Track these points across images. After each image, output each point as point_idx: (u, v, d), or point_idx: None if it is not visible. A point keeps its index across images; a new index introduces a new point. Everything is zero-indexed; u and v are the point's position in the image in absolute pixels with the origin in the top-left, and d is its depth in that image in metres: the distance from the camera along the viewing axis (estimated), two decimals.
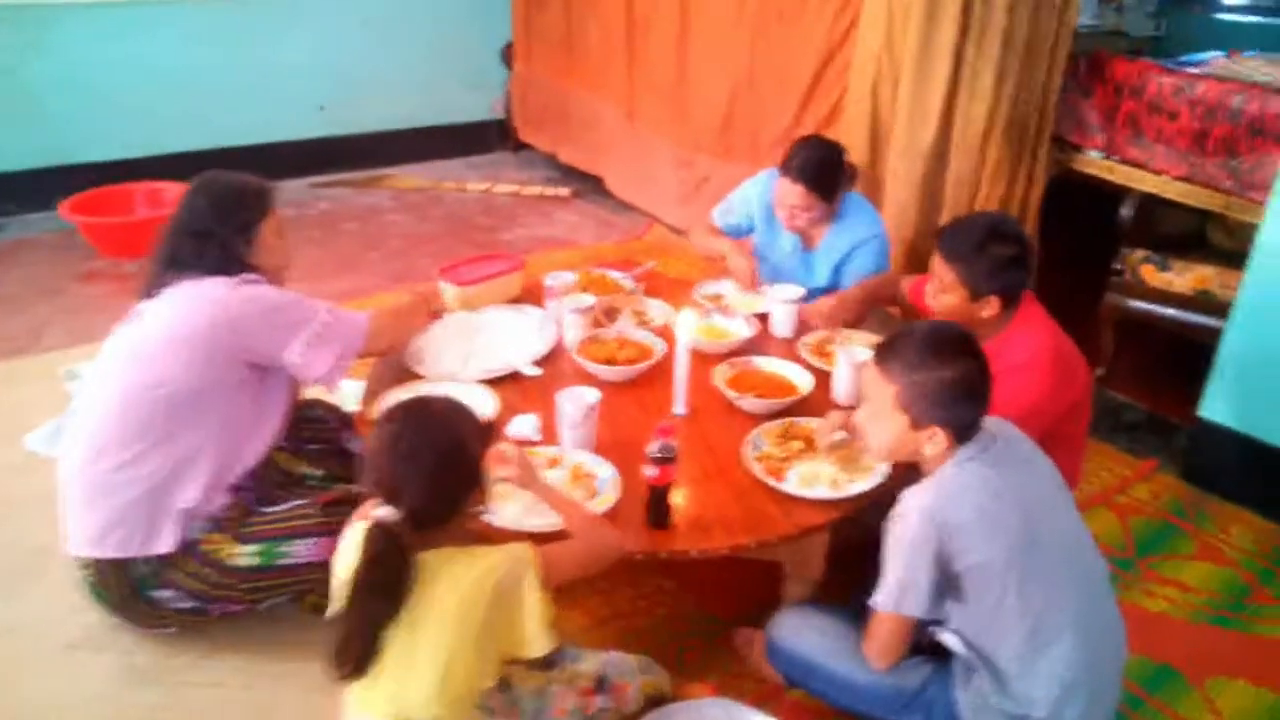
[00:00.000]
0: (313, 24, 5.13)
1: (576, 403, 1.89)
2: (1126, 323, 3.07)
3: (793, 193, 2.48)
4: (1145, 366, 3.29)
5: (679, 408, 2.09)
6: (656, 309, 2.57)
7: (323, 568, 1.88)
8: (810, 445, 1.94)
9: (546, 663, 1.59)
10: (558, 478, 1.81)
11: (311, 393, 2.29)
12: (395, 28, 5.38)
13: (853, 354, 2.13)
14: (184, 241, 1.98)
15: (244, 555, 1.88)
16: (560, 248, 4.42)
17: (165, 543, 1.85)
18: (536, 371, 2.23)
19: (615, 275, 2.74)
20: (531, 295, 2.63)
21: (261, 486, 1.99)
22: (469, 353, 2.28)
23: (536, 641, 1.45)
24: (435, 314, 2.33)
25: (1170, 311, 2.96)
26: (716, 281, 2.75)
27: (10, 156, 4.51)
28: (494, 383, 2.17)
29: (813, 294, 2.67)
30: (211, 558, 1.87)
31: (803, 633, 1.73)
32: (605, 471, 1.83)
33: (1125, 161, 2.97)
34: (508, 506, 1.72)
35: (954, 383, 1.51)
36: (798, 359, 2.30)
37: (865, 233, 2.58)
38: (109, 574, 1.88)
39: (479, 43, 5.69)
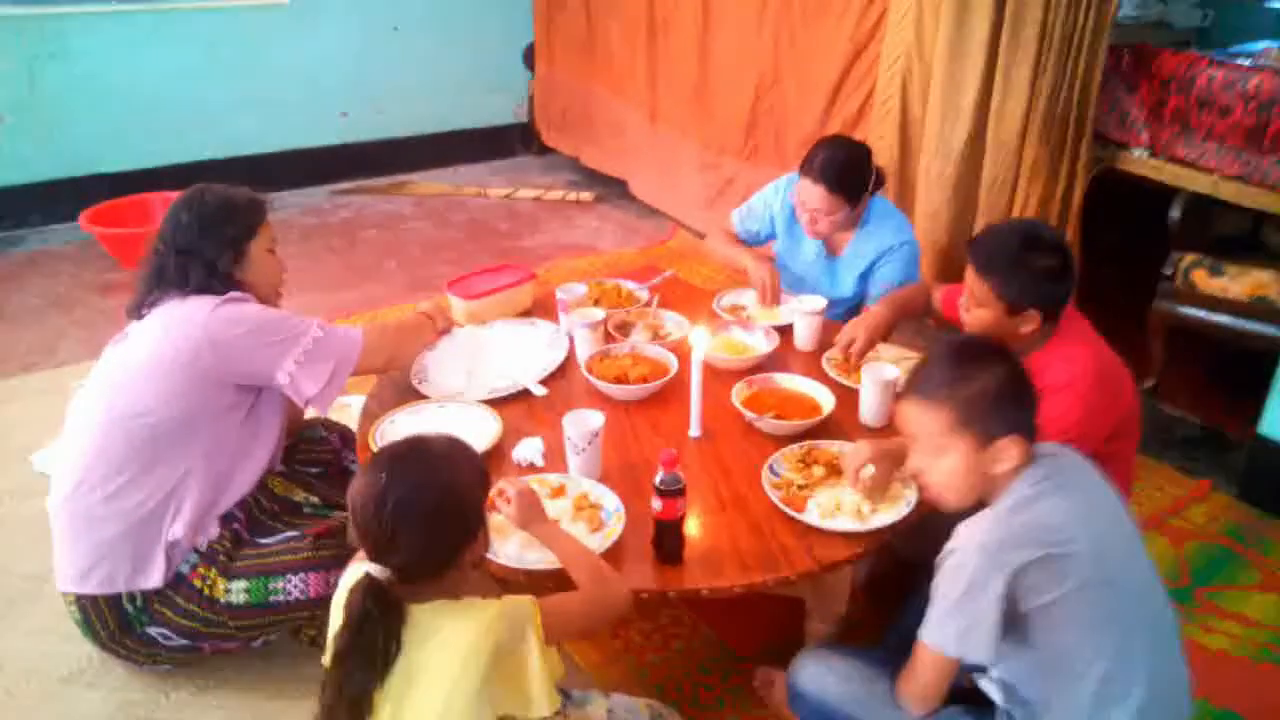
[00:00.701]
0: (333, 31, 5.08)
1: (580, 427, 1.77)
2: (1178, 331, 2.89)
3: (813, 194, 2.34)
4: (1199, 378, 3.10)
5: (694, 429, 1.97)
6: (672, 322, 2.45)
7: (315, 604, 1.80)
8: (832, 471, 1.80)
9: None
10: (561, 508, 1.70)
11: (312, 410, 2.20)
12: (416, 33, 5.32)
13: (880, 372, 1.99)
14: (169, 258, 1.89)
15: (234, 592, 1.79)
16: (582, 254, 4.32)
17: (153, 578, 1.77)
18: (542, 391, 2.12)
19: (630, 286, 2.62)
20: (547, 308, 2.52)
21: (253, 516, 1.91)
22: (474, 370, 2.18)
23: (539, 702, 1.34)
24: (444, 330, 2.22)
25: (1224, 319, 2.77)
26: (737, 291, 2.62)
27: (31, 167, 4.51)
28: (499, 403, 2.06)
29: (837, 304, 2.54)
30: (202, 593, 1.79)
31: (825, 678, 1.60)
32: (611, 502, 1.71)
33: (1173, 160, 2.80)
34: (507, 543, 1.61)
35: (1009, 381, 1.40)
36: (822, 375, 2.17)
37: (892, 239, 2.43)
38: (98, 611, 1.79)
39: (501, 45, 5.61)
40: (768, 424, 1.95)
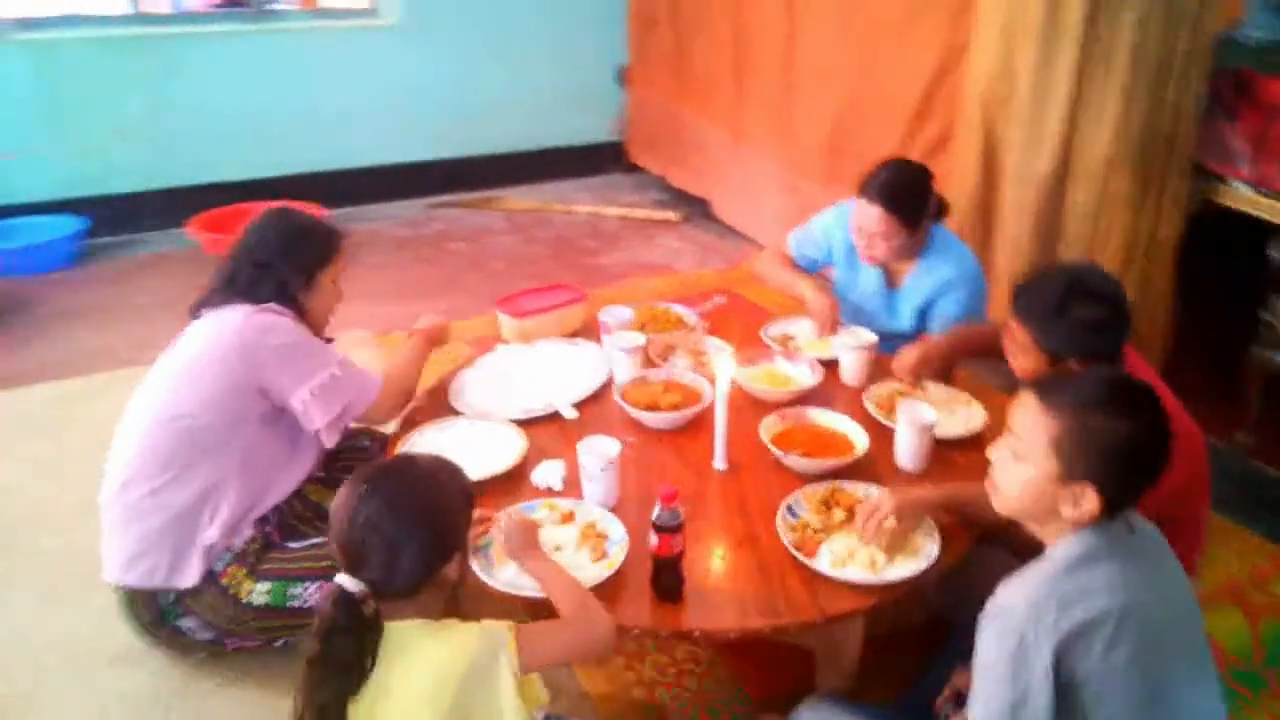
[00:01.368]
0: (434, 50, 5.25)
1: (594, 455, 1.76)
2: (1277, 381, 2.65)
3: (870, 215, 2.26)
4: None
5: (718, 462, 1.93)
6: (716, 349, 2.41)
7: None
8: (854, 516, 1.72)
9: None
10: (568, 535, 1.69)
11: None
12: (514, 52, 5.44)
13: (917, 413, 1.90)
14: (244, 268, 1.99)
15: (257, 593, 1.86)
16: (658, 274, 4.32)
17: (189, 577, 1.85)
18: (573, 414, 2.11)
19: (680, 310, 2.60)
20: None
21: (285, 521, 1.97)
22: (510, 389, 2.20)
23: None
24: (441, 342, 2.28)
25: None
26: (788, 320, 2.56)
27: (149, 176, 4.84)
28: (531, 423, 2.07)
29: (896, 338, 2.44)
30: (229, 592, 1.86)
31: None
32: (618, 532, 1.69)
33: (1277, 194, 2.57)
34: (505, 568, 1.60)
35: (1131, 438, 1.26)
36: (863, 413, 2.08)
37: (952, 274, 2.32)
38: (137, 601, 1.90)
39: (595, 65, 5.68)
40: (794, 461, 1.89)
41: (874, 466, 1.92)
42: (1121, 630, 1.22)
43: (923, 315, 2.38)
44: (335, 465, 2.18)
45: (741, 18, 4.36)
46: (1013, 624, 1.23)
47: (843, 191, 3.83)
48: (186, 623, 1.89)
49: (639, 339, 2.28)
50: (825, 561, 1.62)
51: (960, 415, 2.08)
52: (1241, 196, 2.65)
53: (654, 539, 1.52)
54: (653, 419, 2.06)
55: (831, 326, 2.41)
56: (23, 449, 2.95)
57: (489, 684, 1.31)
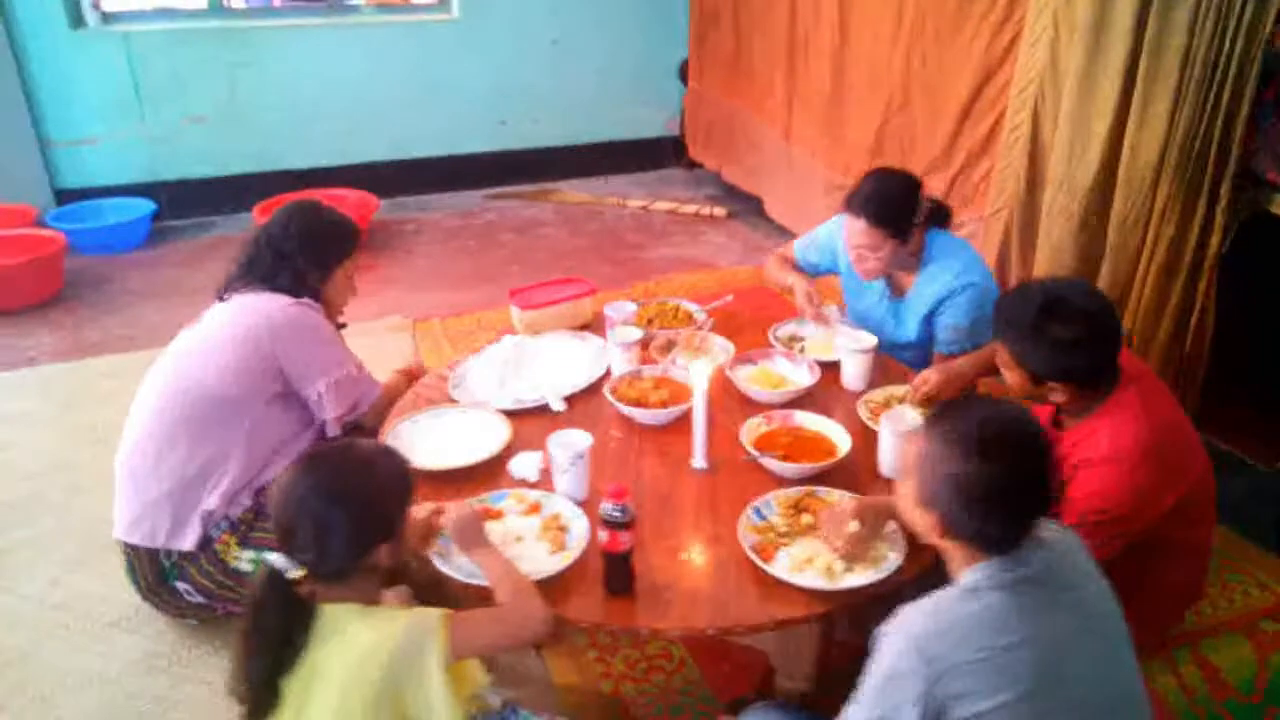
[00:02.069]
0: (497, 43, 5.34)
1: (564, 448, 1.77)
2: None
3: (855, 229, 2.21)
4: None
5: (697, 461, 1.91)
6: (719, 347, 2.39)
7: None
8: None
9: None
10: (530, 526, 1.71)
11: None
12: (575, 46, 5.49)
13: (900, 419, 1.85)
14: (265, 255, 2.10)
15: (244, 560, 1.94)
16: (697, 270, 4.30)
17: (188, 540, 1.95)
18: (561, 406, 2.13)
19: (689, 307, 2.59)
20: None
21: None
22: (508, 379, 2.23)
23: (440, 715, 1.34)
24: (417, 376, 2.33)
25: None
26: (798, 322, 2.52)
27: (226, 161, 5.07)
28: (521, 414, 2.10)
29: (904, 348, 2.38)
30: (219, 557, 1.95)
31: None
32: (580, 526, 1.70)
33: None
34: (460, 555, 1.63)
35: (983, 483, 1.22)
36: (854, 418, 2.04)
37: (955, 282, 2.25)
38: (140, 560, 2.00)
39: (656, 60, 5.68)
40: (771, 463, 1.86)
41: (855, 472, 1.88)
42: (1004, 675, 1.17)
43: (928, 324, 2.32)
44: None
45: (797, 17, 4.30)
46: (892, 650, 1.22)
47: None
48: (181, 585, 1.98)
49: (635, 334, 2.28)
50: (783, 566, 1.60)
51: None
52: None
53: (603, 534, 1.53)
54: (639, 415, 2.06)
55: (813, 312, 2.39)
56: (74, 418, 3.13)
57: (417, 670, 1.33)
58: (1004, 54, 3.14)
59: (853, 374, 2.21)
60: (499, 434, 2.00)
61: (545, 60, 5.48)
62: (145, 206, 4.83)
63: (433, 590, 1.73)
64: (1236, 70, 2.42)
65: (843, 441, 1.92)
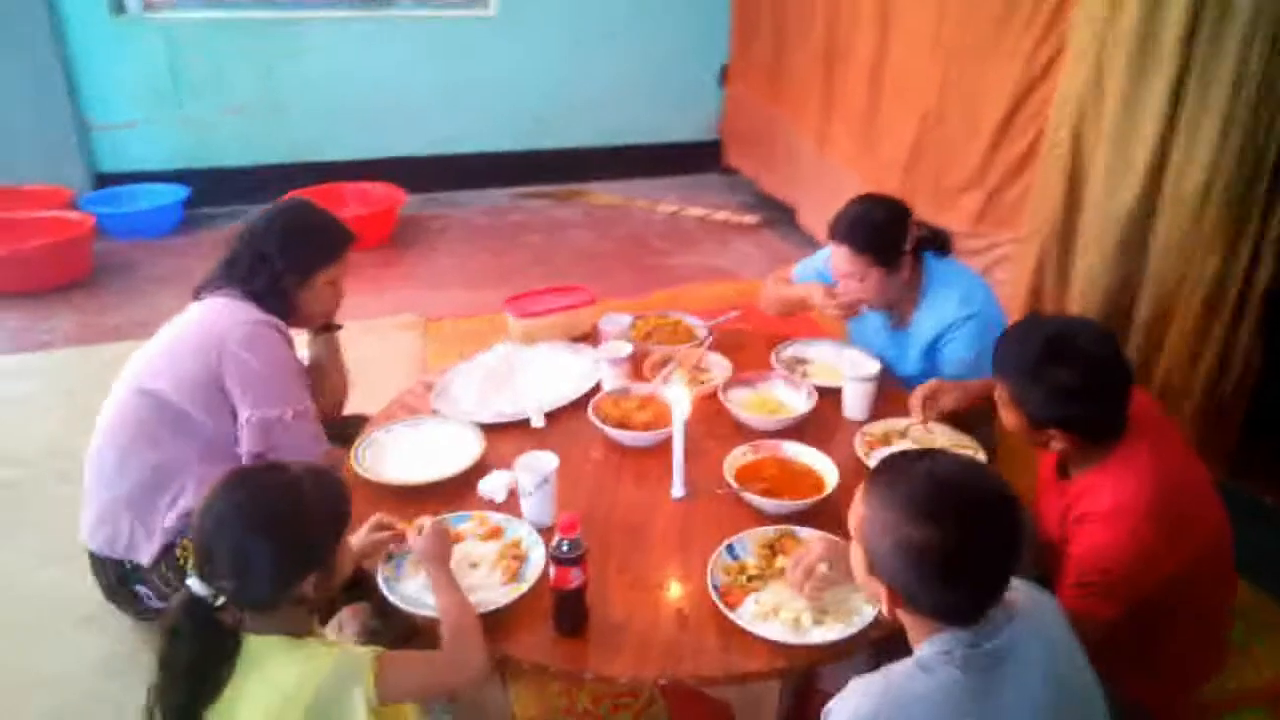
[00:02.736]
0: (534, 42, 5.28)
1: (529, 471, 1.67)
2: None
3: (839, 256, 2.10)
4: None
5: (676, 489, 1.81)
6: (718, 367, 2.27)
7: None
8: None
9: None
10: (488, 552, 1.61)
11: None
12: (615, 47, 5.41)
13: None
14: (245, 255, 2.01)
15: None
16: (719, 280, 4.19)
17: (146, 554, 1.88)
18: (541, 423, 2.04)
19: (691, 321, 2.48)
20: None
21: None
22: (488, 392, 2.14)
23: None
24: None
25: None
26: (805, 343, 2.39)
27: (260, 151, 5.09)
28: (500, 429, 2.01)
29: (906, 381, 2.24)
30: (177, 564, 1.89)
31: None
32: (538, 555, 1.60)
33: None
34: (410, 581, 1.54)
35: (923, 550, 1.10)
36: (849, 451, 1.91)
37: (957, 312, 2.11)
38: (104, 563, 1.95)
39: (697, 64, 5.58)
40: (752, 498, 1.74)
41: (840, 511, 1.73)
42: None
43: (931, 356, 2.18)
44: None
45: (836, 25, 4.16)
46: None
47: (918, 208, 3.60)
48: (140, 588, 1.93)
49: (624, 349, 2.17)
50: (748, 613, 1.48)
51: None
52: None
53: (552, 570, 1.43)
54: (620, 436, 1.96)
55: (840, 306, 2.20)
56: (81, 402, 3.11)
57: (340, 713, 1.25)
58: (1045, 69, 2.97)
59: (853, 402, 2.08)
60: (471, 449, 1.91)
61: (582, 59, 5.40)
62: (177, 193, 4.87)
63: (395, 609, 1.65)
64: None
65: (831, 477, 1.79)
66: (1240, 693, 1.91)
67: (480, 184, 5.47)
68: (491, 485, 1.81)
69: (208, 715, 1.26)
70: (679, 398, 1.72)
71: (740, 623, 1.46)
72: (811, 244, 4.54)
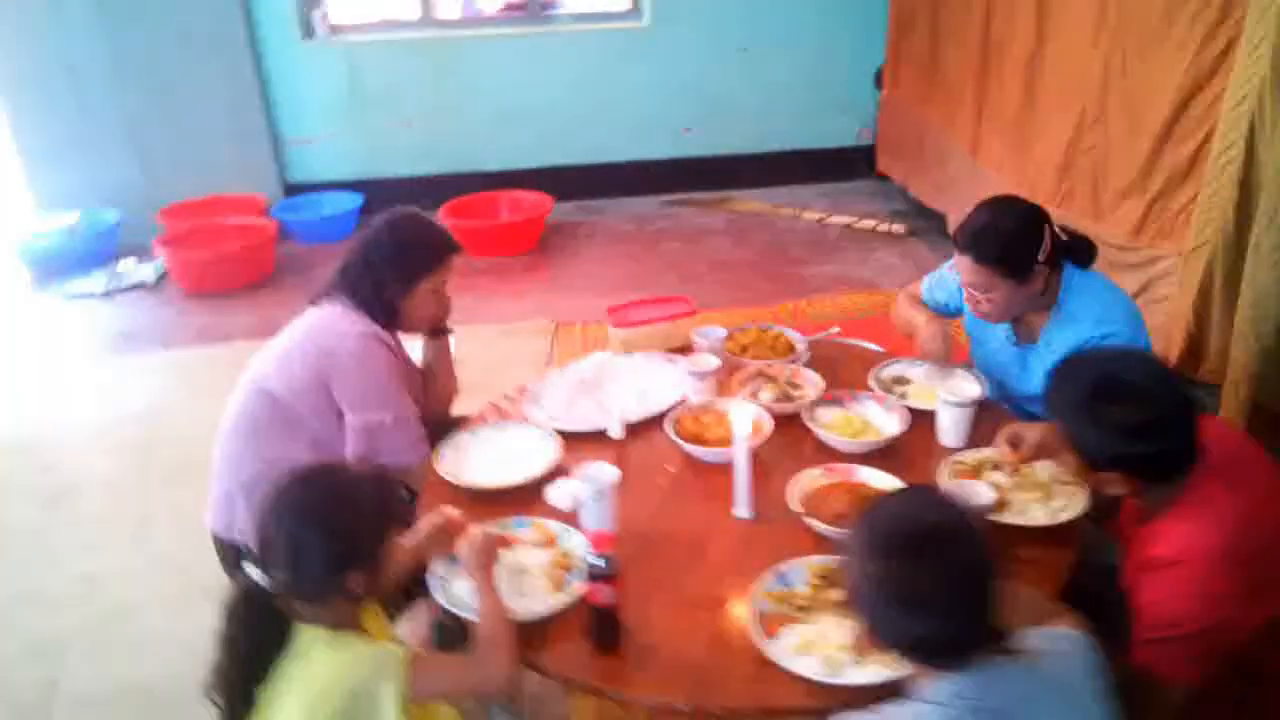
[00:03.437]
0: (684, 51, 5.31)
1: (589, 481, 1.69)
2: None
3: (964, 267, 1.94)
4: None
5: (739, 509, 1.77)
6: (811, 384, 2.20)
7: None
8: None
9: None
10: (541, 560, 1.64)
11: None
12: (765, 53, 5.34)
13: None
14: (356, 262, 2.16)
15: None
16: (856, 290, 4.05)
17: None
18: (619, 434, 2.04)
19: (791, 335, 2.41)
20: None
21: None
22: (576, 399, 2.18)
23: None
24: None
25: None
26: (908, 362, 2.27)
27: (428, 162, 5.41)
28: (581, 437, 2.04)
29: (1031, 401, 2.08)
30: None
31: None
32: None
33: None
34: (460, 582, 1.59)
35: (880, 581, 1.11)
36: (934, 480, 1.80)
37: (1094, 330, 1.91)
38: (221, 543, 2.14)
39: (851, 67, 5.41)
40: (816, 524, 1.68)
41: None
42: None
43: None
44: None
45: (992, 24, 3.91)
46: None
47: (1072, 215, 3.34)
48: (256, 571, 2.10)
49: (711, 363, 2.14)
50: (785, 645, 1.43)
51: (1055, 504, 1.71)
52: None
53: (585, 586, 1.44)
54: (694, 451, 1.93)
55: (941, 356, 2.11)
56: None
57: (371, 709, 1.32)
58: (1217, 62, 2.66)
59: (947, 428, 1.95)
60: (546, 457, 1.95)
61: (733, 67, 5.37)
62: (354, 200, 5.27)
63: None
64: None
65: None
66: None
67: (630, 192, 5.56)
68: (558, 494, 1.84)
69: (260, 693, 1.35)
70: (741, 413, 1.69)
71: (772, 654, 1.41)
72: None
